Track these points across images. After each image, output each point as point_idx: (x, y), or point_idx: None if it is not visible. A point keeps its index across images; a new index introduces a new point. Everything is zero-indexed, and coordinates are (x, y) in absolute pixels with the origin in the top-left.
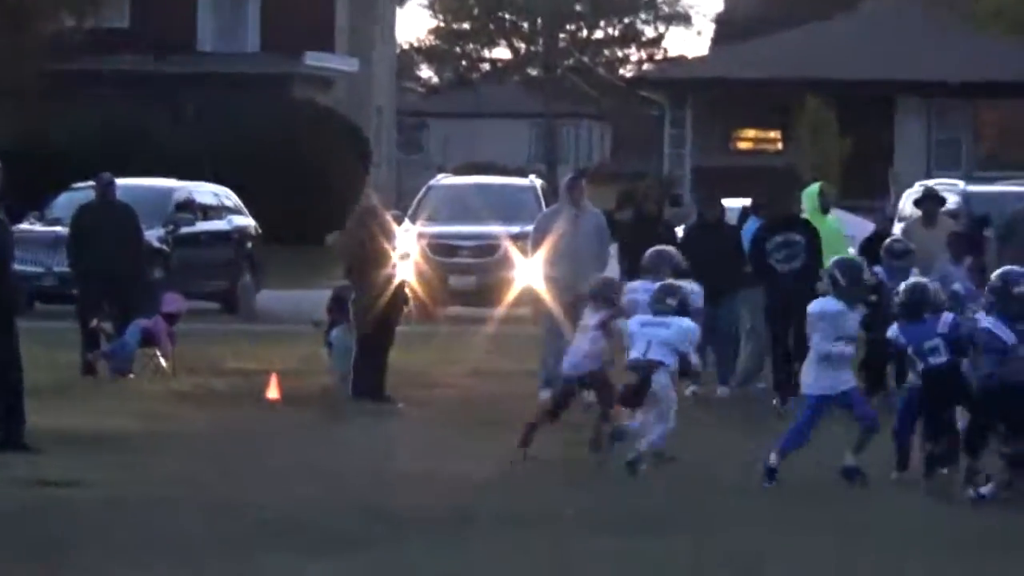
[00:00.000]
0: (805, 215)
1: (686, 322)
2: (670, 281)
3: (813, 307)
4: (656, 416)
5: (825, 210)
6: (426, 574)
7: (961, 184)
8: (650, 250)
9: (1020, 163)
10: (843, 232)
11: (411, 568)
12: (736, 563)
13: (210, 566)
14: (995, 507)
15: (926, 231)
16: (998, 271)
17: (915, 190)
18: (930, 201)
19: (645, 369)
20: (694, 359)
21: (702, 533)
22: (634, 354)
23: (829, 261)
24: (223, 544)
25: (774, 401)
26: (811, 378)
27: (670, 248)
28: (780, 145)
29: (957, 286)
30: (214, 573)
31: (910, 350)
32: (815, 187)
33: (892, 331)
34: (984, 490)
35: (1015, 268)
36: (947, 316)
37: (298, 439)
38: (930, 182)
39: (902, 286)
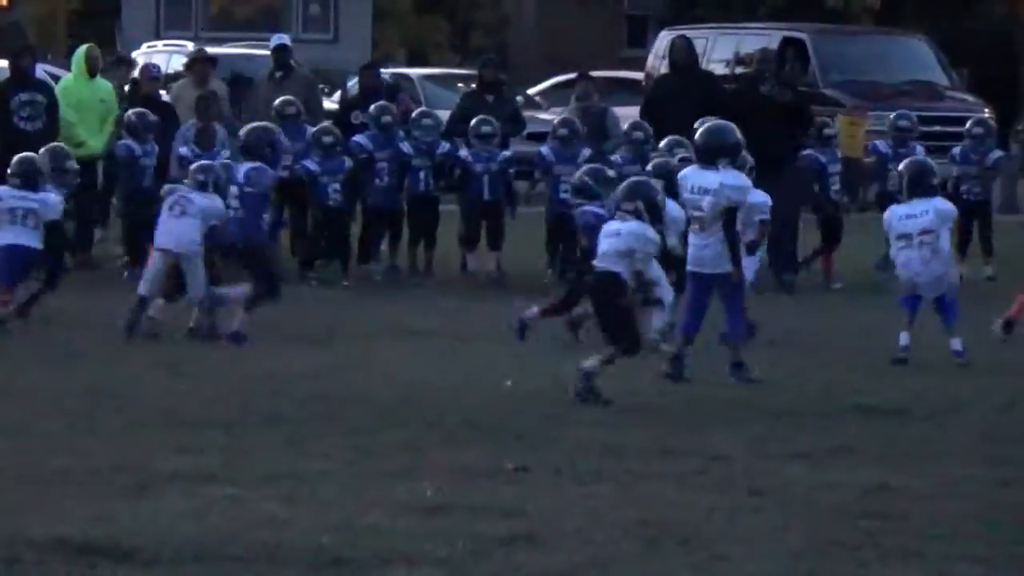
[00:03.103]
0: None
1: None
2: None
3: None
4: None
5: (92, 73)
6: None
7: (190, 45)
8: None
9: (249, 23)
10: (110, 98)
11: None
12: None
13: None
14: None
15: (279, 88)
16: None
17: (144, 51)
18: (203, 63)
19: None
20: None
21: None
22: None
23: None
24: None
25: None
26: None
27: None
28: (5, 1)
29: None
30: None
31: None
32: (82, 50)
33: None
34: None
35: None
36: None
37: None
38: (159, 43)
39: None
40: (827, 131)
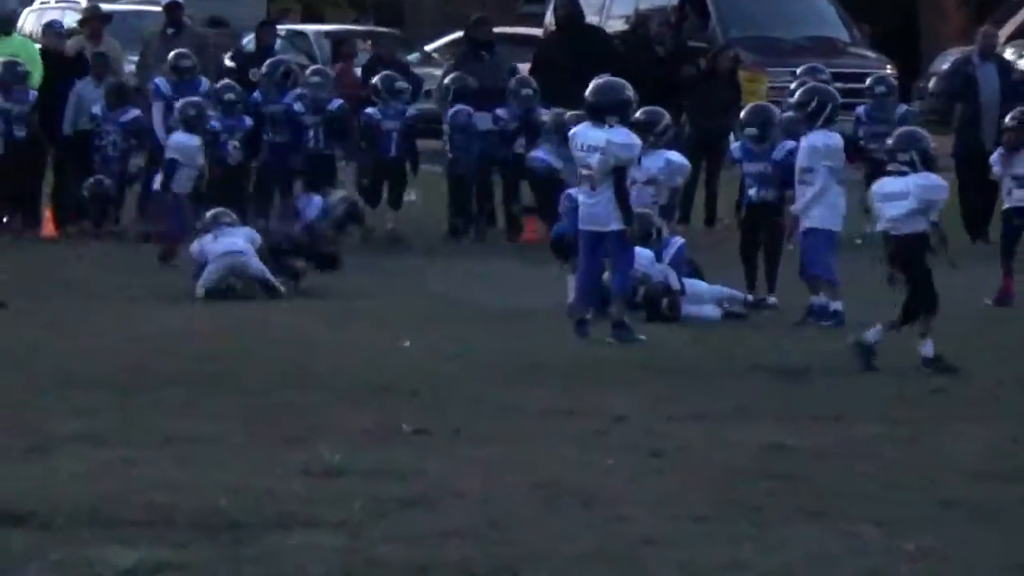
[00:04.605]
0: None
1: None
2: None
3: None
4: None
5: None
6: None
7: (83, 2)
8: None
9: None
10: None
11: None
12: None
13: None
14: None
15: (171, 45)
16: None
17: (37, 7)
18: (96, 20)
19: None
20: None
21: None
22: None
23: None
24: None
25: None
26: None
27: None
28: None
29: None
30: None
31: None
32: None
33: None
34: None
35: None
36: None
37: None
38: None
39: None
40: None
